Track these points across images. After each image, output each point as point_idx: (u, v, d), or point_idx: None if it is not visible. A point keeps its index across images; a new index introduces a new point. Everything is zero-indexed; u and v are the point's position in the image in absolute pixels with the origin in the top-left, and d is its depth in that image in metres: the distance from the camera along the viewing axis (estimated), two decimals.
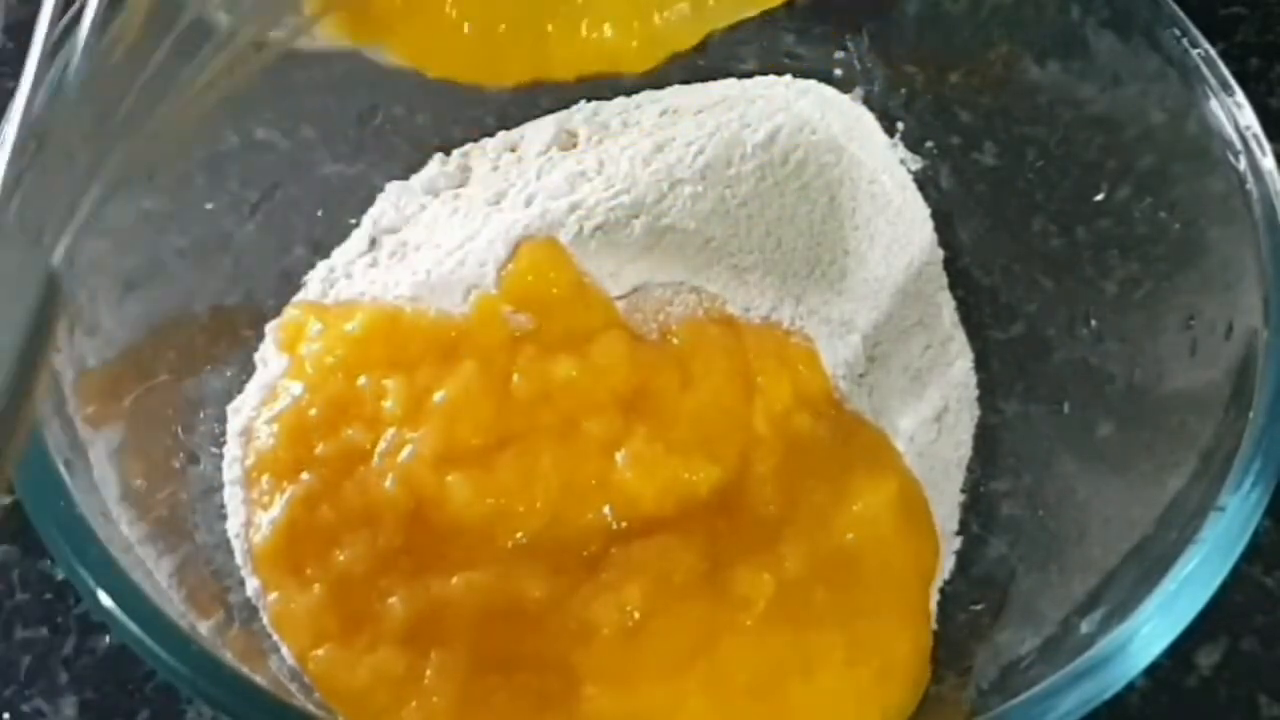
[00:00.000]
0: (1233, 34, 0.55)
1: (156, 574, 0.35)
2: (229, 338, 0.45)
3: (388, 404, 0.42)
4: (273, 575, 0.40)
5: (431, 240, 0.46)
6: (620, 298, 0.46)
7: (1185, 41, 0.40)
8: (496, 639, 0.39)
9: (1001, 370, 0.46)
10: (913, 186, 0.49)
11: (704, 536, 0.41)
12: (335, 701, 0.38)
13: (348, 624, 0.39)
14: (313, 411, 0.42)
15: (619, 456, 0.41)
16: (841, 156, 0.48)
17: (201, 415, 0.43)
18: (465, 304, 0.44)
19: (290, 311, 0.45)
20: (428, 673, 0.38)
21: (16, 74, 0.30)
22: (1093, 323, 0.44)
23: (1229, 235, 0.38)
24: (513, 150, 0.49)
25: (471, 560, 0.40)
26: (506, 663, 0.38)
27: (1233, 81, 0.39)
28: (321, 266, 0.47)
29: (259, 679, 0.33)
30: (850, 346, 0.46)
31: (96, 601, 0.32)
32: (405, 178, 0.49)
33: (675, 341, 0.45)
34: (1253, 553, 0.35)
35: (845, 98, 0.50)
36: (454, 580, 0.39)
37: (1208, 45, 0.40)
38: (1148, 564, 0.35)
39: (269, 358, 0.45)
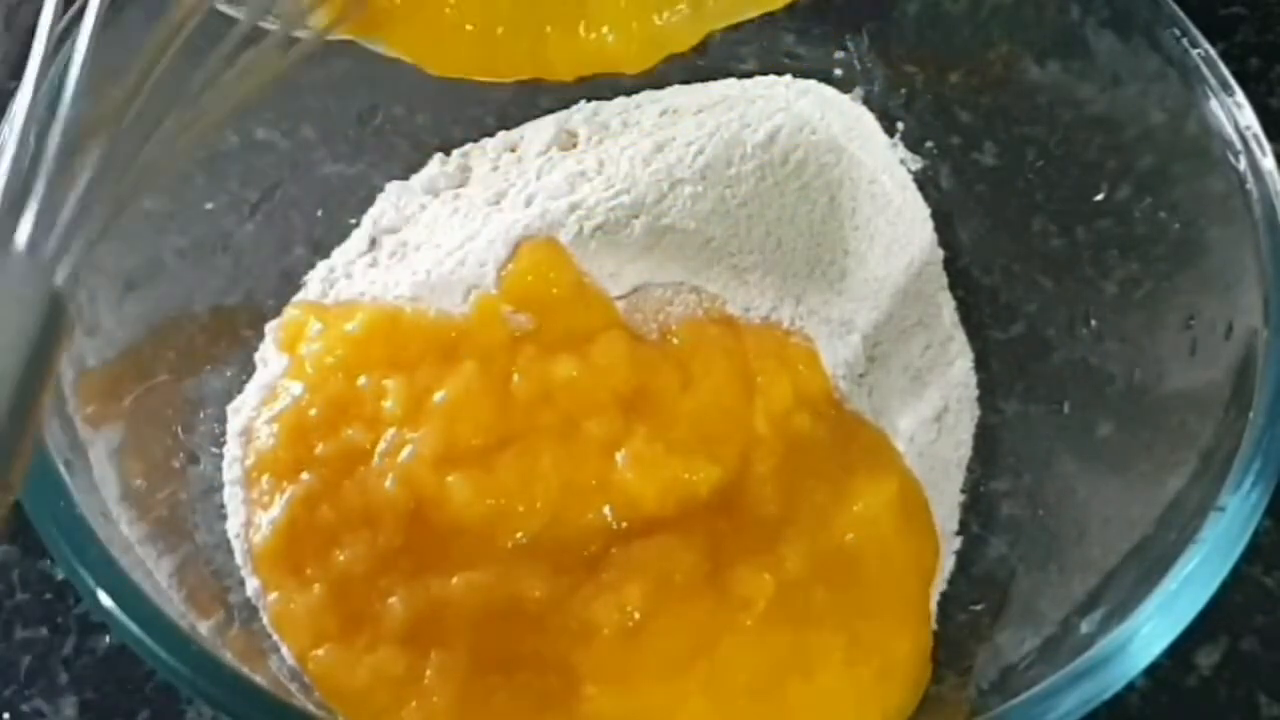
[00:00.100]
0: (1233, 34, 0.55)
1: (156, 574, 0.35)
2: (229, 338, 0.45)
3: (388, 404, 0.42)
4: (273, 575, 0.40)
5: (431, 240, 0.46)
6: (620, 298, 0.46)
7: (1185, 41, 0.40)
8: (497, 639, 0.39)
9: (1001, 370, 0.46)
10: (913, 186, 0.49)
11: (704, 537, 0.41)
12: (335, 701, 0.38)
13: (348, 624, 0.39)
14: (313, 411, 0.42)
15: (619, 457, 0.41)
16: (841, 156, 0.48)
17: (201, 415, 0.43)
18: (465, 304, 0.45)
19: (290, 311, 0.45)
20: (428, 673, 0.38)
21: (16, 74, 0.29)
22: (1093, 323, 0.44)
23: (1229, 235, 0.38)
24: (513, 150, 0.49)
25: (471, 560, 0.40)
26: (506, 663, 0.38)
27: (1233, 81, 0.39)
28: (321, 266, 0.47)
29: (259, 679, 0.33)
30: (850, 346, 0.46)
31: (96, 601, 0.32)
32: (405, 178, 0.49)
33: (675, 341, 0.45)
34: (1253, 553, 0.35)
35: (845, 98, 0.50)
36: (454, 580, 0.39)
37: (1208, 45, 0.40)
38: (1148, 564, 0.35)
39: (269, 358, 0.45)
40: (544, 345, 0.43)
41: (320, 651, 0.39)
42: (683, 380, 0.43)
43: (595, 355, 0.43)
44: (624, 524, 0.41)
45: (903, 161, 0.49)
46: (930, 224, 0.48)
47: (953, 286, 0.48)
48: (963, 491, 0.44)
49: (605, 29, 0.35)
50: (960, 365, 0.46)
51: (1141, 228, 0.42)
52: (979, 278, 0.47)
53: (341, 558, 0.40)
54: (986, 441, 0.45)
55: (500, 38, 0.36)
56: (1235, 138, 0.38)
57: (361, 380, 0.43)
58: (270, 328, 0.45)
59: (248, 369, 0.45)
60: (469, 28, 0.36)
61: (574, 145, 0.49)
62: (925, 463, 0.44)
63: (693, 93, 0.50)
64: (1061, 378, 0.44)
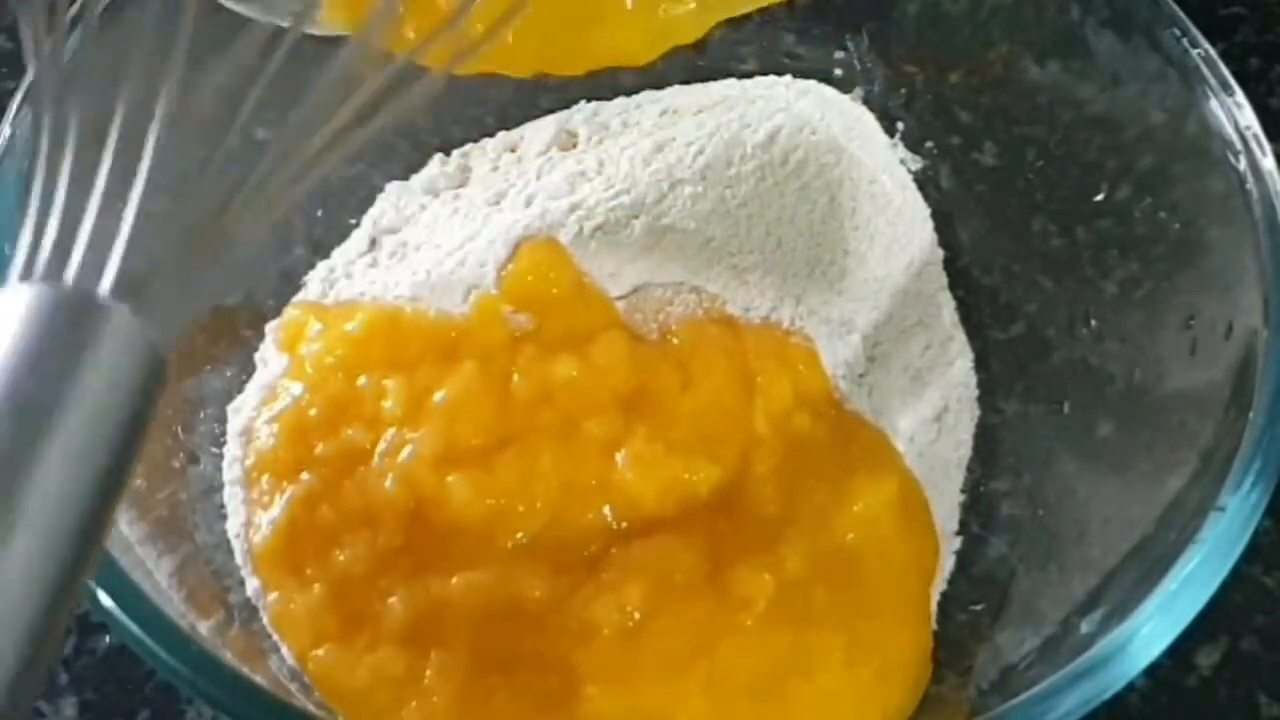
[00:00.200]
0: (1233, 34, 0.55)
1: (156, 574, 0.35)
2: (229, 338, 0.45)
3: (388, 404, 0.42)
4: (273, 575, 0.40)
5: (431, 240, 0.46)
6: (620, 298, 0.46)
7: (1185, 41, 0.40)
8: (497, 639, 0.39)
9: (1001, 370, 0.46)
10: (913, 186, 0.49)
11: (704, 537, 0.41)
12: (335, 701, 0.38)
13: (348, 624, 0.39)
14: (313, 411, 0.42)
15: (619, 457, 0.41)
16: (841, 156, 0.48)
17: (201, 415, 0.43)
18: (465, 304, 0.45)
19: (290, 311, 0.45)
20: (428, 673, 0.38)
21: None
22: (1093, 323, 0.44)
23: (1229, 235, 0.38)
24: (513, 150, 0.49)
25: (471, 560, 0.40)
26: (507, 663, 0.38)
27: (1233, 81, 0.39)
28: (321, 266, 0.47)
29: (259, 679, 0.33)
30: (850, 346, 0.46)
31: (96, 601, 0.32)
32: (405, 178, 0.49)
33: (675, 341, 0.45)
34: (1253, 553, 0.35)
35: (845, 98, 0.50)
36: (454, 580, 0.39)
37: (1208, 45, 0.40)
38: (1148, 564, 0.35)
39: (269, 358, 0.45)
40: (544, 345, 0.43)
41: (320, 651, 0.39)
42: (683, 380, 0.43)
43: (595, 355, 0.43)
44: (624, 524, 0.41)
45: (903, 161, 0.49)
46: (930, 224, 0.48)
47: (953, 286, 0.48)
48: (963, 491, 0.44)
49: (613, 23, 0.34)
50: (960, 365, 0.46)
51: (1141, 228, 0.42)
52: (979, 278, 0.47)
53: (341, 558, 0.40)
54: (986, 441, 0.45)
55: (511, 35, 0.36)
56: (1235, 138, 0.38)
57: (361, 380, 0.43)
58: (270, 328, 0.45)
59: (248, 369, 0.45)
60: (479, 27, 0.36)
61: (574, 145, 0.49)
62: (925, 463, 0.44)
63: (693, 93, 0.50)
64: (1061, 378, 0.44)
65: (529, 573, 0.40)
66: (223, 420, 0.44)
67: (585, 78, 0.39)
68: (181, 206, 0.26)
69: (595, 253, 0.45)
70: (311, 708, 0.36)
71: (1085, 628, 0.35)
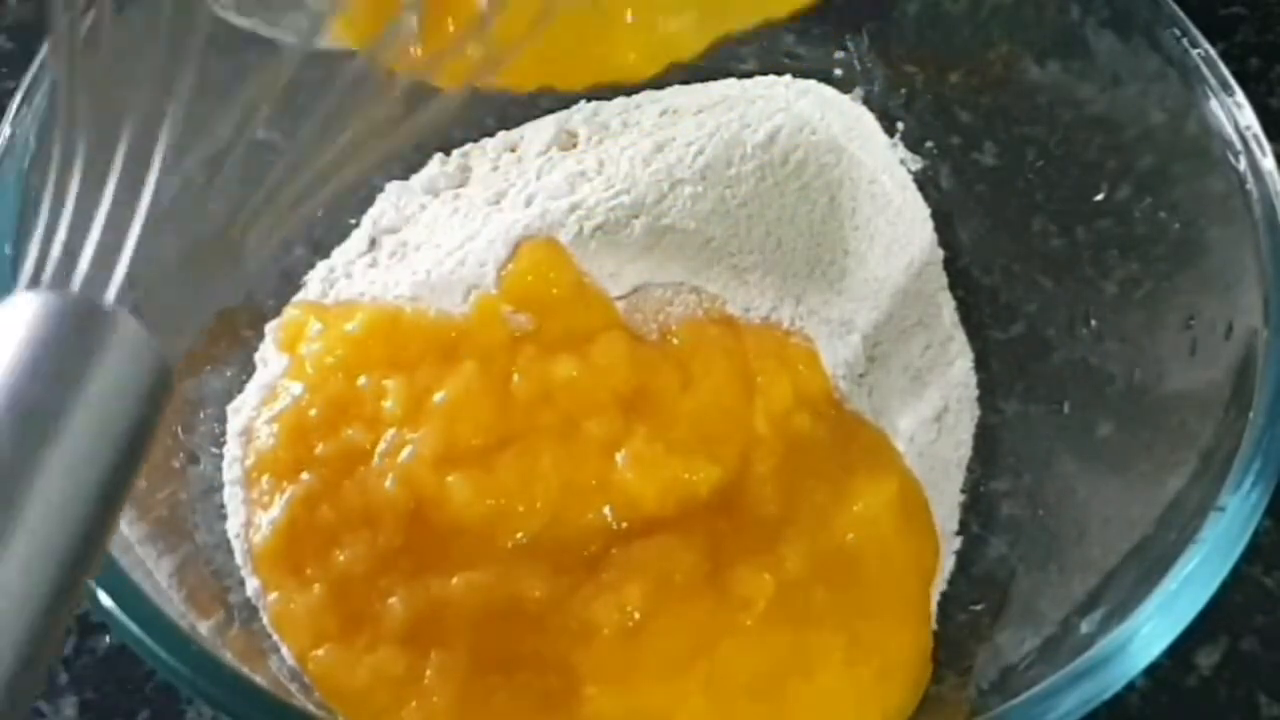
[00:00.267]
0: (1233, 34, 0.55)
1: (156, 574, 0.35)
2: (229, 338, 0.45)
3: (388, 404, 0.42)
4: (273, 575, 0.40)
5: (431, 240, 0.46)
6: (620, 298, 0.46)
7: (1185, 41, 0.40)
8: (497, 639, 0.39)
9: (1001, 370, 0.46)
10: (913, 186, 0.49)
11: (704, 537, 0.41)
12: (335, 701, 0.38)
13: (348, 624, 0.39)
14: (313, 411, 0.42)
15: (619, 457, 0.41)
16: (841, 156, 0.48)
17: (201, 415, 0.43)
18: (465, 304, 0.45)
19: (290, 311, 0.45)
20: (428, 673, 0.38)
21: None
22: (1093, 323, 0.44)
23: (1229, 235, 0.38)
24: (513, 150, 0.49)
25: (471, 560, 0.40)
26: (507, 663, 0.38)
27: (1233, 81, 0.39)
28: (321, 266, 0.47)
29: (259, 679, 0.33)
30: (850, 346, 0.46)
31: (96, 601, 0.32)
32: (405, 178, 0.49)
33: (675, 342, 0.45)
34: (1253, 553, 0.35)
35: (845, 98, 0.50)
36: (454, 580, 0.39)
37: (1208, 45, 0.40)
38: (1148, 564, 0.35)
39: (269, 358, 0.45)
40: (544, 345, 0.43)
41: (320, 651, 0.39)
42: (683, 380, 0.43)
43: (595, 355, 0.43)
44: (624, 524, 0.41)
45: (903, 161, 0.49)
46: (930, 224, 0.48)
47: (953, 286, 0.48)
48: (963, 491, 0.44)
49: (613, 39, 0.34)
50: (960, 365, 0.46)
51: (1141, 228, 0.42)
52: (979, 278, 0.47)
53: (341, 558, 0.40)
54: (986, 441, 0.45)
55: None
56: (1235, 138, 0.38)
57: (361, 380, 0.43)
58: (270, 328, 0.45)
59: (248, 369, 0.45)
60: (487, 46, 0.36)
61: (574, 145, 0.49)
62: (925, 463, 0.44)
63: (693, 93, 0.50)
64: (1061, 378, 0.44)
65: (529, 573, 0.40)
66: (223, 420, 0.44)
67: None
68: (189, 216, 0.26)
69: (595, 253, 0.45)
70: (311, 708, 0.36)
71: (1085, 628, 0.35)
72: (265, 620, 0.40)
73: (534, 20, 0.30)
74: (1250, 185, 0.38)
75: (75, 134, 0.26)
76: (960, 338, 0.47)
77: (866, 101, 0.50)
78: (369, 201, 0.48)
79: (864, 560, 0.41)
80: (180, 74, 0.27)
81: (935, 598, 0.42)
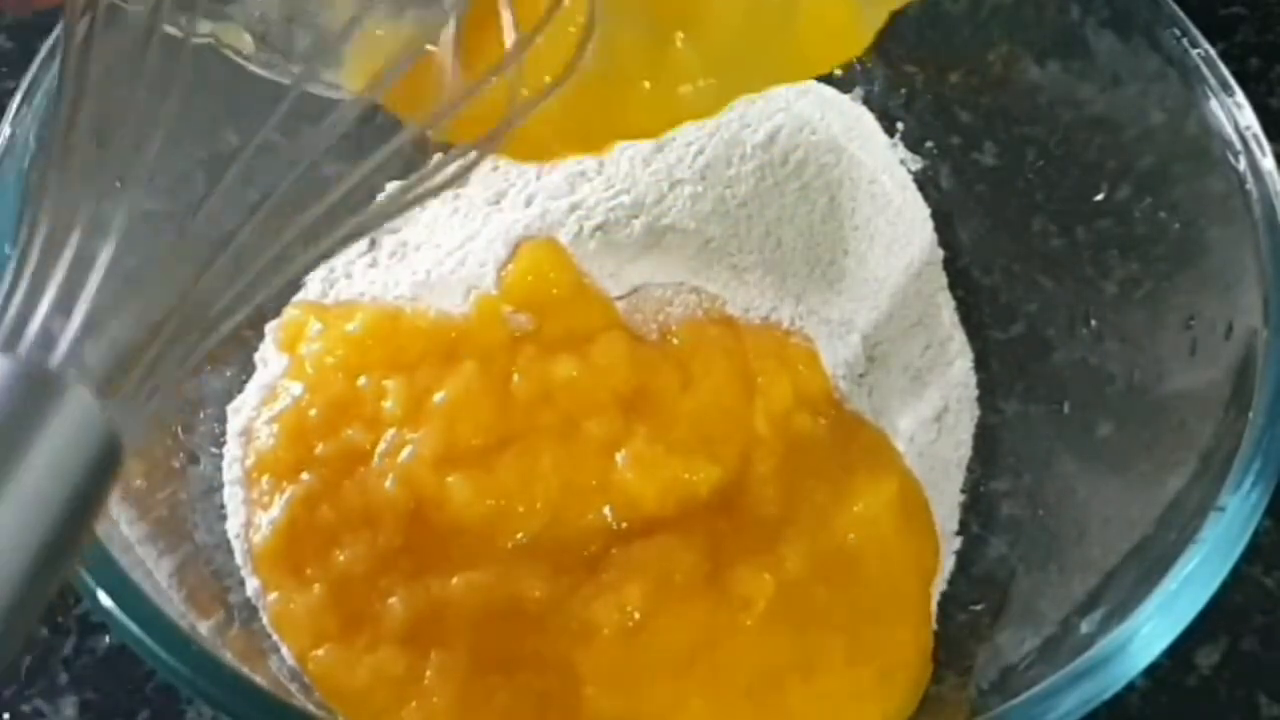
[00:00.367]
0: (1233, 34, 0.55)
1: (156, 574, 0.35)
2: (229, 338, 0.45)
3: (388, 404, 0.42)
4: (273, 575, 0.40)
5: (431, 240, 0.46)
6: (620, 298, 0.46)
7: (1185, 41, 0.40)
8: (497, 639, 0.39)
9: (1001, 370, 0.46)
10: (913, 186, 0.49)
11: (704, 537, 0.41)
12: (335, 701, 0.38)
13: (348, 624, 0.39)
14: (313, 412, 0.42)
15: (619, 457, 0.41)
16: (841, 156, 0.48)
17: (201, 415, 0.43)
18: (465, 304, 0.45)
19: (290, 311, 0.45)
20: (428, 673, 0.38)
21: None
22: (1093, 323, 0.44)
23: (1229, 235, 0.38)
24: None
25: (472, 560, 0.40)
26: (507, 663, 0.38)
27: (1233, 81, 0.39)
28: (321, 266, 0.47)
29: (259, 679, 0.33)
30: (850, 346, 0.46)
31: (96, 601, 0.32)
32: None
33: (675, 342, 0.45)
34: (1253, 553, 0.35)
35: (845, 98, 0.50)
36: (454, 580, 0.39)
37: (1208, 45, 0.40)
38: (1148, 564, 0.35)
39: (269, 358, 0.45)
40: (544, 345, 0.43)
41: (320, 651, 0.39)
42: (683, 380, 0.43)
43: (595, 355, 0.43)
44: (624, 524, 0.41)
45: (903, 161, 0.49)
46: (930, 224, 0.48)
47: (953, 286, 0.48)
48: (963, 491, 0.44)
49: (631, 106, 0.34)
50: (960, 365, 0.46)
51: (1141, 228, 0.42)
52: (979, 278, 0.47)
53: (341, 558, 0.40)
54: (986, 441, 0.45)
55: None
56: (1235, 138, 0.38)
57: (361, 380, 0.43)
58: (270, 328, 0.45)
59: (248, 369, 0.45)
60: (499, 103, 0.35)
61: None
62: (925, 463, 0.44)
63: None
64: (1061, 378, 0.44)
65: (529, 573, 0.40)
66: (223, 420, 0.44)
67: None
68: (153, 277, 0.25)
69: (595, 253, 0.45)
70: (311, 708, 0.36)
71: (1085, 628, 0.35)
72: (265, 620, 0.40)
73: (558, 74, 0.30)
74: (1250, 185, 0.38)
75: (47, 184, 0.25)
76: (960, 338, 0.47)
77: (866, 101, 0.50)
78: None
79: (864, 560, 0.41)
80: (163, 109, 0.26)
81: (935, 598, 0.42)
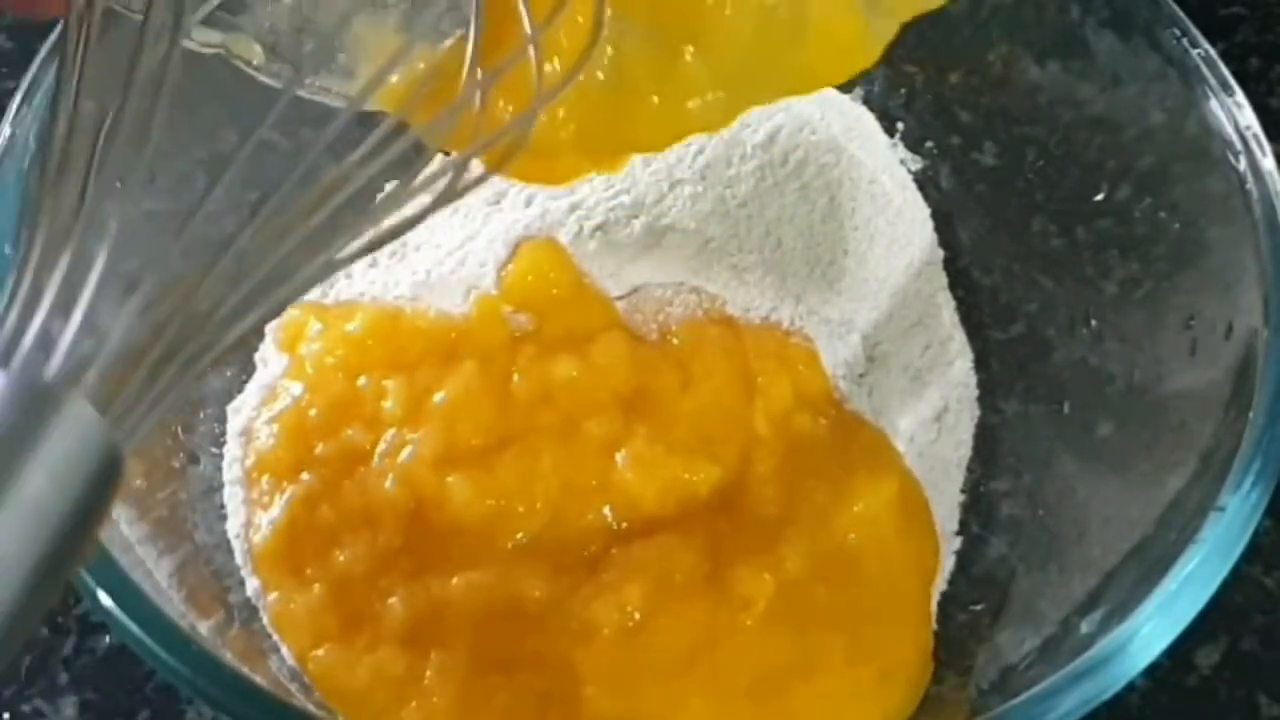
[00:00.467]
0: (1233, 34, 0.55)
1: (156, 574, 0.35)
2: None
3: (388, 404, 0.42)
4: (273, 575, 0.40)
5: (431, 240, 0.46)
6: (620, 298, 0.46)
7: (1185, 41, 0.40)
8: (497, 639, 0.39)
9: (1001, 370, 0.46)
10: (913, 186, 0.49)
11: (704, 537, 0.41)
12: (335, 701, 0.38)
13: (348, 624, 0.39)
14: (313, 412, 0.42)
15: (619, 457, 0.41)
16: (841, 156, 0.48)
17: (201, 415, 0.43)
18: (465, 304, 0.45)
19: (290, 311, 0.45)
20: (428, 673, 0.38)
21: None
22: (1093, 323, 0.44)
23: (1229, 235, 0.38)
24: None
25: (472, 560, 0.40)
26: (507, 663, 0.38)
27: (1233, 81, 0.39)
28: None
29: (259, 679, 0.33)
30: (850, 346, 0.46)
31: (96, 601, 0.32)
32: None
33: (675, 342, 0.45)
34: (1253, 553, 0.35)
35: (845, 98, 0.50)
36: (454, 580, 0.39)
37: (1208, 45, 0.40)
38: (1148, 564, 0.35)
39: (269, 358, 0.45)
40: (544, 345, 0.43)
41: (320, 651, 0.39)
42: (683, 380, 0.43)
43: (595, 355, 0.43)
44: (624, 524, 0.41)
45: (903, 161, 0.49)
46: (930, 224, 0.48)
47: (953, 286, 0.48)
48: (963, 491, 0.44)
49: (639, 122, 0.33)
50: (960, 365, 0.46)
51: (1141, 228, 0.42)
52: (979, 278, 0.47)
53: (341, 558, 0.40)
54: (986, 441, 0.45)
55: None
56: (1235, 138, 0.38)
57: (361, 380, 0.43)
58: (270, 328, 0.45)
59: (248, 369, 0.45)
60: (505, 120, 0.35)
61: None
62: (925, 463, 0.44)
63: None
64: (1061, 378, 0.44)
65: (529, 573, 0.40)
66: (223, 420, 0.44)
67: None
68: (153, 283, 0.25)
69: (595, 253, 0.45)
70: (311, 708, 0.36)
71: (1085, 628, 0.35)
72: (265, 620, 0.40)
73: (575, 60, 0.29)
74: (1250, 185, 0.38)
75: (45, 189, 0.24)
76: (960, 338, 0.47)
77: (866, 101, 0.50)
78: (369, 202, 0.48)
79: (864, 560, 0.41)
80: (153, 115, 0.26)
81: (935, 598, 0.42)
